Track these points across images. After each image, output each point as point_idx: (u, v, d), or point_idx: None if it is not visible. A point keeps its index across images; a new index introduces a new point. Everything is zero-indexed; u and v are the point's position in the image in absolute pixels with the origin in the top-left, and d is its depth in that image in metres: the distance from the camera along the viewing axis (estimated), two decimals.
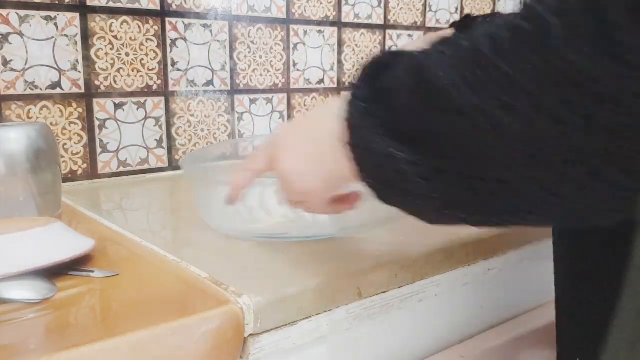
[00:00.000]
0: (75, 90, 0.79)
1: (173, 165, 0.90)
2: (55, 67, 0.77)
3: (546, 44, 0.26)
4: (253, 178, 0.48)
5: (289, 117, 1.02)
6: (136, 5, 0.83)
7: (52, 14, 0.76)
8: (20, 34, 0.74)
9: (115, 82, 0.82)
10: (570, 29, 0.25)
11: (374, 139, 0.34)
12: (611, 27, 0.24)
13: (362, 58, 1.11)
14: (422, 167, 0.33)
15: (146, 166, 0.87)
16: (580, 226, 0.32)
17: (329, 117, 0.40)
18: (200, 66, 0.90)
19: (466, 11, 1.28)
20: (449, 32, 0.67)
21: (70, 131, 0.79)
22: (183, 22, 0.87)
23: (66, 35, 0.77)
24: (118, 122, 0.83)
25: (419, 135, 0.33)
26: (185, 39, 0.88)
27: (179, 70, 0.88)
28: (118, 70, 0.82)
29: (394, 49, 0.38)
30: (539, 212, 0.31)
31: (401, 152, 0.33)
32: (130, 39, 0.83)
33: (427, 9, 1.20)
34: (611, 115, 0.25)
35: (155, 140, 0.87)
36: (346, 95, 0.38)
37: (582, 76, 0.25)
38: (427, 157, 0.33)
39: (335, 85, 1.08)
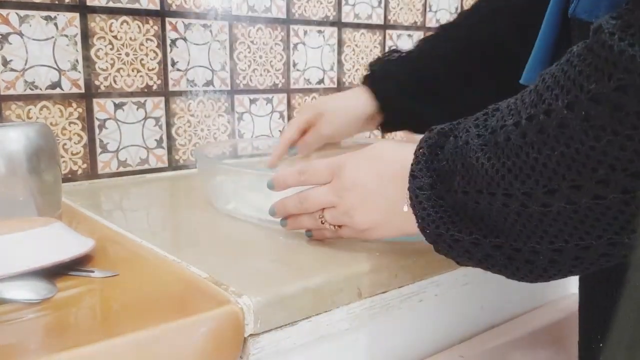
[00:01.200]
0: (75, 90, 0.79)
1: (173, 165, 0.90)
2: (55, 67, 0.77)
3: (568, 136, 0.30)
4: (299, 184, 0.50)
5: (289, 117, 1.02)
6: (136, 5, 0.83)
7: (52, 14, 0.76)
8: (20, 34, 0.74)
9: (115, 82, 0.82)
10: (585, 120, 0.29)
11: (442, 225, 0.39)
12: (628, 113, 0.27)
13: (362, 58, 1.11)
14: (482, 246, 0.37)
15: (146, 166, 0.87)
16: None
17: (402, 175, 0.43)
18: (200, 66, 0.90)
19: None
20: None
21: (70, 131, 0.79)
22: (183, 22, 0.87)
23: (66, 35, 0.77)
24: (118, 122, 0.83)
25: (477, 215, 0.37)
26: (185, 39, 0.88)
27: (178, 70, 0.88)
28: (118, 70, 0.82)
29: (442, 127, 0.42)
30: (596, 267, 0.35)
31: (469, 233, 0.38)
32: (130, 39, 0.83)
33: (427, 9, 1.20)
34: None
35: (155, 140, 0.87)
36: (409, 159, 0.42)
37: (609, 157, 0.28)
38: (486, 236, 0.37)
39: (335, 85, 1.08)
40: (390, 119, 0.74)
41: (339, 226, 0.49)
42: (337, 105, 0.73)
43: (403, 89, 0.71)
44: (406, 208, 0.42)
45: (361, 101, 0.72)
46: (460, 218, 0.38)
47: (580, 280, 0.52)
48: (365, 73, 0.75)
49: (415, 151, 0.41)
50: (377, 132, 0.90)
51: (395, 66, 0.74)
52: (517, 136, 0.33)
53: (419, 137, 0.44)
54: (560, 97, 0.30)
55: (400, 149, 0.45)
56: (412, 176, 0.40)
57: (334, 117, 0.72)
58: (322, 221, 0.49)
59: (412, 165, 0.41)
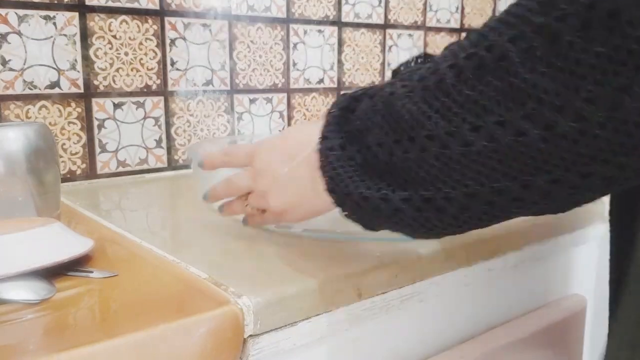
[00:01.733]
0: (74, 90, 0.79)
1: (172, 165, 0.89)
2: (54, 66, 0.77)
3: (505, 68, 0.29)
4: (223, 166, 0.51)
5: (289, 116, 1.02)
6: (135, 5, 0.82)
7: (51, 13, 0.76)
8: (19, 34, 0.74)
9: (114, 81, 0.82)
10: (525, 52, 0.29)
11: (351, 184, 0.38)
12: (564, 46, 0.27)
13: (362, 58, 1.11)
14: (391, 201, 0.36)
15: (145, 166, 0.87)
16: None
17: (307, 154, 0.43)
18: (199, 66, 0.90)
19: (466, 11, 1.28)
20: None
21: (69, 131, 0.79)
22: (182, 21, 0.87)
23: (65, 35, 0.77)
24: (117, 121, 0.83)
25: (389, 169, 0.37)
26: (184, 39, 0.88)
27: (178, 69, 0.88)
28: (117, 70, 0.82)
29: (354, 92, 0.42)
30: (508, 215, 0.34)
31: (378, 189, 0.37)
32: (130, 38, 0.83)
33: (428, 9, 1.20)
34: (568, 123, 0.28)
35: (155, 140, 0.87)
36: (317, 139, 0.41)
37: (540, 91, 0.28)
38: (395, 190, 0.36)
39: (336, 85, 1.07)
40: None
41: (263, 211, 0.49)
42: None
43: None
44: (311, 183, 0.42)
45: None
46: (370, 176, 0.38)
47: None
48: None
49: (327, 114, 0.41)
50: None
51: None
52: (451, 76, 0.32)
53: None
54: (505, 33, 0.30)
55: (307, 127, 0.45)
56: (323, 137, 0.40)
57: None
58: (246, 204, 0.50)
59: (323, 127, 0.40)
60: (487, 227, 0.36)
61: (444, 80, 0.32)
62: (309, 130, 0.44)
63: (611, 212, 0.43)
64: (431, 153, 0.33)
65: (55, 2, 0.76)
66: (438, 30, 1.23)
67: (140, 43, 0.84)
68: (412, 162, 0.34)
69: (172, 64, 0.87)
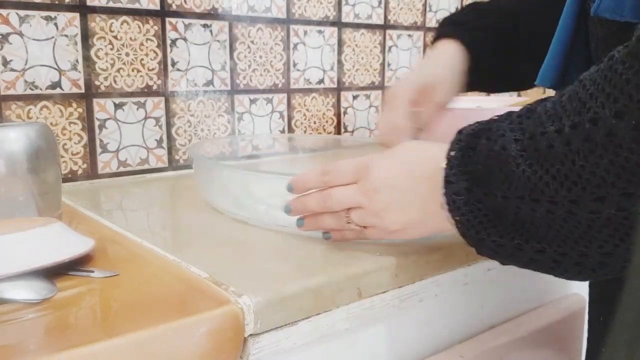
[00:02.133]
0: (75, 90, 0.79)
1: (173, 165, 0.90)
2: (55, 67, 0.77)
3: (617, 144, 0.30)
4: (322, 186, 0.49)
5: (289, 117, 1.02)
6: (136, 5, 0.83)
7: (52, 14, 0.76)
8: (20, 34, 0.74)
9: (115, 82, 0.82)
10: (635, 129, 0.29)
11: (482, 230, 0.39)
12: None
13: (362, 58, 1.11)
14: (525, 251, 0.37)
15: (146, 166, 0.87)
16: None
17: (431, 175, 0.42)
18: (200, 66, 0.90)
19: None
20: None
21: (70, 131, 0.79)
22: (183, 22, 0.87)
23: (66, 35, 0.77)
24: (118, 122, 0.83)
25: (519, 220, 0.37)
26: (185, 39, 0.88)
27: (179, 70, 0.88)
28: (118, 70, 0.82)
29: (473, 128, 0.41)
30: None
31: (511, 239, 0.37)
32: (130, 39, 0.83)
33: (427, 9, 1.20)
34: None
35: (155, 140, 0.87)
36: (441, 167, 0.41)
37: None
38: (529, 241, 0.36)
39: (336, 85, 1.08)
40: (478, 76, 0.67)
41: (364, 227, 0.48)
42: (444, 75, 0.66)
43: (492, 42, 0.65)
44: (440, 209, 0.42)
45: (457, 59, 0.66)
46: (502, 222, 0.38)
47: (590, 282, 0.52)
48: (443, 25, 0.70)
49: (447, 155, 0.41)
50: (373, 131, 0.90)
51: (479, 19, 0.68)
52: (560, 144, 0.33)
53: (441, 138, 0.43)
54: (607, 105, 0.30)
55: (428, 148, 0.45)
56: (447, 182, 0.40)
57: (444, 86, 0.66)
58: (347, 221, 0.48)
59: (445, 170, 0.40)
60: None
61: (554, 146, 0.33)
62: (427, 151, 0.44)
63: None
64: (558, 216, 0.33)
65: (57, 2, 0.76)
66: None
67: (141, 43, 0.84)
68: (540, 220, 0.35)
69: (173, 64, 0.87)
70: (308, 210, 0.50)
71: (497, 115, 0.40)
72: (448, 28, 0.68)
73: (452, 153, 0.40)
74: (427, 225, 0.45)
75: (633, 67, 0.29)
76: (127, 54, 0.83)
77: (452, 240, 0.55)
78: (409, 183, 0.44)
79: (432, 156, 0.43)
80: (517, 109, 0.39)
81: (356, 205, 0.47)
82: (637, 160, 0.29)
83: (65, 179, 0.79)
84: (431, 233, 0.46)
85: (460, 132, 0.41)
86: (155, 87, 0.86)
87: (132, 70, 0.83)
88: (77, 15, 0.78)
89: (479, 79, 0.66)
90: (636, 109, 0.29)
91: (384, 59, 1.14)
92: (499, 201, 0.37)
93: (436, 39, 0.69)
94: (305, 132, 1.05)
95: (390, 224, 0.46)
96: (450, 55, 0.66)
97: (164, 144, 0.88)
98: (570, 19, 0.48)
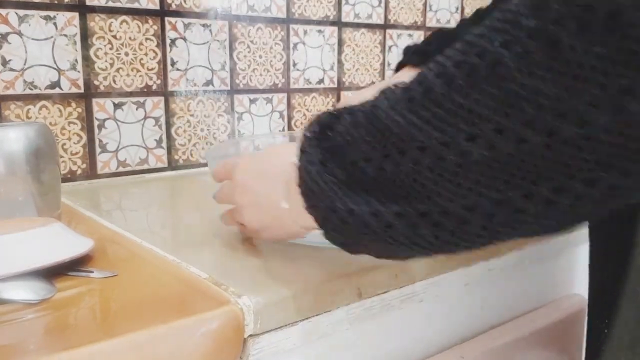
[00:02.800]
0: (74, 90, 0.79)
1: (172, 165, 0.89)
2: (55, 66, 0.77)
3: (500, 74, 0.28)
4: (218, 181, 0.52)
5: (289, 116, 1.02)
6: (135, 5, 0.83)
7: (52, 13, 0.76)
8: (20, 34, 0.74)
9: (114, 81, 0.82)
10: (520, 57, 0.27)
11: (336, 199, 0.35)
12: (564, 49, 0.26)
13: (362, 58, 1.11)
14: (382, 215, 0.34)
15: (145, 166, 0.87)
16: (551, 236, 0.33)
17: (284, 172, 0.42)
18: (199, 66, 0.90)
19: (466, 11, 1.28)
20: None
21: (69, 131, 0.79)
22: (182, 21, 0.87)
23: (65, 35, 0.77)
24: (117, 122, 0.83)
25: (378, 185, 0.34)
26: (184, 39, 0.88)
27: (178, 70, 0.88)
28: (117, 70, 0.82)
29: (333, 108, 0.40)
30: (509, 230, 0.32)
31: (363, 205, 0.35)
32: (130, 38, 0.83)
33: (427, 9, 1.20)
34: (572, 128, 0.27)
35: (155, 140, 0.87)
36: (296, 154, 0.39)
37: (540, 96, 0.27)
38: (387, 204, 0.34)
39: (336, 85, 1.07)
40: None
41: (243, 225, 0.50)
42: None
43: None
44: (285, 204, 0.41)
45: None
46: (357, 191, 0.35)
47: (590, 276, 0.52)
48: (407, 54, 0.71)
49: (305, 130, 0.39)
50: None
51: (444, 46, 0.71)
52: (440, 85, 0.30)
53: None
54: (495, 38, 0.29)
55: (286, 147, 0.44)
56: (302, 152, 0.38)
57: None
58: (233, 217, 0.51)
59: (302, 143, 0.38)
60: (483, 247, 0.33)
61: (433, 89, 0.31)
62: (287, 150, 0.43)
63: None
64: (425, 165, 0.31)
65: (56, 2, 0.76)
66: (441, 29, 1.23)
67: (141, 43, 0.84)
68: (404, 176, 0.32)
69: (173, 64, 0.87)
70: (219, 200, 0.53)
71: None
72: (413, 57, 0.70)
73: (309, 128, 0.39)
74: (279, 226, 0.45)
75: (525, 1, 0.28)
76: (127, 54, 0.83)
77: None
78: (261, 182, 0.45)
79: (289, 153, 0.41)
80: None
81: (229, 202, 0.50)
82: (516, 91, 0.27)
83: (65, 179, 0.79)
84: (287, 235, 0.46)
85: (321, 113, 0.40)
86: (154, 87, 0.86)
87: (132, 70, 0.83)
88: (76, 14, 0.78)
89: None
90: (524, 36, 0.27)
91: (384, 59, 1.14)
92: (359, 166, 0.35)
93: (399, 66, 0.71)
94: None
95: (249, 223, 0.47)
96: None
97: (164, 144, 0.88)
98: None
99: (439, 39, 0.72)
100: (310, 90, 1.04)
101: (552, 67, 0.27)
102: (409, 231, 0.34)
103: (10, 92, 0.74)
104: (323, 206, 0.36)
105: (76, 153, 0.80)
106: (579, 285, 0.75)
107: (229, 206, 0.52)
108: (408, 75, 0.72)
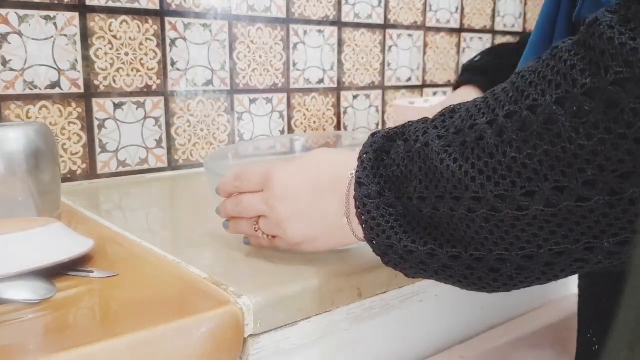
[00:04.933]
0: (74, 90, 0.79)
1: (172, 165, 0.89)
2: (55, 66, 0.77)
3: (555, 133, 0.27)
4: (236, 191, 0.48)
5: (289, 116, 1.02)
6: (135, 5, 0.83)
7: (52, 13, 0.76)
8: (20, 34, 0.74)
9: (114, 81, 0.82)
10: (575, 117, 0.27)
11: (393, 235, 0.36)
12: (626, 112, 0.25)
13: (362, 58, 1.11)
14: (439, 256, 0.34)
15: (145, 166, 0.87)
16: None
17: (334, 184, 0.41)
18: (199, 66, 0.90)
19: (466, 11, 1.28)
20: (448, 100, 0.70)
21: (69, 131, 0.79)
22: (182, 21, 0.87)
23: (65, 35, 0.77)
24: (117, 122, 0.83)
25: (433, 223, 0.34)
26: (184, 39, 0.88)
27: (178, 70, 0.88)
28: (117, 70, 0.82)
29: (387, 131, 0.39)
30: (566, 275, 0.32)
31: (424, 244, 0.35)
32: (130, 38, 0.83)
33: (427, 9, 1.20)
34: (635, 189, 0.26)
35: (155, 140, 0.87)
36: (349, 174, 0.40)
37: (600, 158, 0.26)
38: (443, 245, 0.34)
39: (336, 85, 1.07)
40: None
41: (274, 237, 0.47)
42: None
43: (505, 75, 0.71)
44: (345, 220, 0.41)
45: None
46: (413, 227, 0.35)
47: (580, 279, 0.52)
48: (463, 72, 0.75)
49: (360, 157, 0.39)
50: None
51: (497, 60, 0.73)
52: (492, 135, 0.30)
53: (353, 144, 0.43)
54: (547, 92, 0.28)
55: (336, 157, 0.43)
56: (359, 183, 0.37)
57: None
58: (255, 229, 0.47)
59: (357, 172, 0.38)
60: (546, 284, 0.34)
61: (484, 138, 0.30)
62: (335, 160, 0.42)
63: None
64: (480, 215, 0.31)
65: (56, 2, 0.76)
66: (438, 30, 1.23)
67: (141, 43, 0.84)
68: (458, 221, 0.32)
69: (173, 64, 0.87)
70: (228, 213, 0.50)
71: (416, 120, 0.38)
72: (466, 74, 0.73)
73: (365, 155, 0.38)
74: (329, 237, 0.43)
75: (579, 54, 0.27)
76: (127, 54, 0.83)
77: None
78: (311, 193, 0.42)
79: (340, 163, 0.41)
80: None
81: (261, 213, 0.46)
82: (574, 151, 0.27)
83: (65, 179, 0.79)
84: (336, 246, 0.45)
85: (374, 134, 0.39)
86: (154, 87, 0.86)
87: (132, 70, 0.83)
88: (76, 14, 0.78)
89: None
90: (580, 94, 0.26)
91: (384, 59, 1.14)
92: (414, 203, 0.35)
93: (457, 85, 0.75)
94: (305, 132, 1.04)
95: (291, 236, 0.44)
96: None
97: (164, 144, 0.88)
98: (545, 25, 0.48)
99: (492, 53, 0.74)
100: (310, 90, 1.04)
101: (611, 129, 0.26)
102: (465, 273, 0.34)
103: (10, 92, 0.74)
104: (381, 242, 0.37)
105: (76, 153, 0.80)
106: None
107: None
108: (467, 96, 0.74)
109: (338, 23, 1.06)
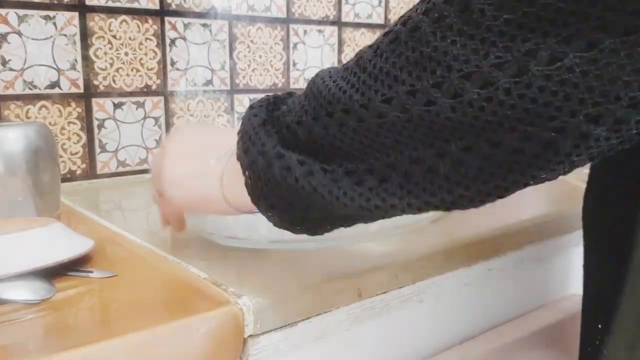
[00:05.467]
0: (74, 89, 0.79)
1: None
2: (54, 66, 0.77)
3: (417, 38, 0.30)
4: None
5: None
6: (135, 5, 0.82)
7: (51, 13, 0.76)
8: (19, 34, 0.74)
9: (114, 81, 0.82)
10: (436, 22, 0.29)
11: (265, 142, 0.37)
12: (475, 13, 0.27)
13: None
14: (308, 165, 0.35)
15: (145, 166, 0.87)
16: (460, 208, 0.34)
17: (219, 137, 0.43)
18: (199, 66, 0.90)
19: None
20: None
21: (69, 131, 0.79)
22: (182, 21, 0.87)
23: (65, 35, 0.77)
24: (117, 121, 0.83)
25: (308, 146, 0.36)
26: (184, 39, 0.88)
27: (178, 69, 0.88)
28: (117, 70, 0.82)
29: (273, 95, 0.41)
30: (423, 192, 0.32)
31: (291, 154, 0.36)
32: (130, 38, 0.83)
33: None
34: (474, 90, 0.28)
35: (155, 140, 0.87)
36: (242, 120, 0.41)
37: (450, 58, 0.28)
38: (315, 160, 0.35)
39: None
40: None
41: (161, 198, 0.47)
42: None
43: None
44: (213, 162, 0.42)
45: None
46: (288, 147, 0.37)
47: (585, 279, 0.52)
48: None
49: (248, 108, 0.40)
50: None
51: None
52: (369, 52, 0.33)
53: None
54: (419, 8, 0.31)
55: (210, 128, 0.46)
56: (250, 107, 0.40)
57: None
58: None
59: (251, 105, 0.40)
60: (399, 215, 0.34)
61: (362, 57, 0.33)
62: (209, 131, 0.45)
63: (603, 212, 0.43)
64: (349, 127, 0.33)
65: (55, 2, 0.76)
66: None
67: (140, 43, 0.84)
68: (331, 138, 0.34)
69: (172, 64, 0.87)
70: (153, 199, 0.51)
71: None
72: None
73: (261, 100, 0.40)
74: (204, 202, 0.43)
75: None
76: (126, 54, 0.83)
77: (453, 241, 0.55)
78: (192, 152, 0.44)
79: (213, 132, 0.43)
80: None
81: (158, 195, 0.47)
82: (429, 53, 0.29)
83: (64, 179, 0.79)
84: (212, 212, 0.44)
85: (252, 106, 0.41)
86: (154, 87, 0.86)
87: (131, 70, 0.83)
88: (76, 14, 0.78)
89: None
90: (441, 2, 0.29)
91: None
92: (292, 128, 0.36)
93: None
94: None
95: (171, 197, 0.45)
96: None
97: None
98: None
99: None
100: None
101: (463, 30, 0.28)
102: (331, 185, 0.35)
103: (9, 92, 0.74)
104: (255, 150, 0.37)
105: (76, 153, 0.80)
106: (579, 285, 0.75)
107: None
108: None
109: (338, 23, 1.06)
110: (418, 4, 0.31)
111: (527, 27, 0.26)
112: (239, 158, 0.39)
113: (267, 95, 0.41)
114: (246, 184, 0.39)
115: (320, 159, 0.35)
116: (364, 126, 0.32)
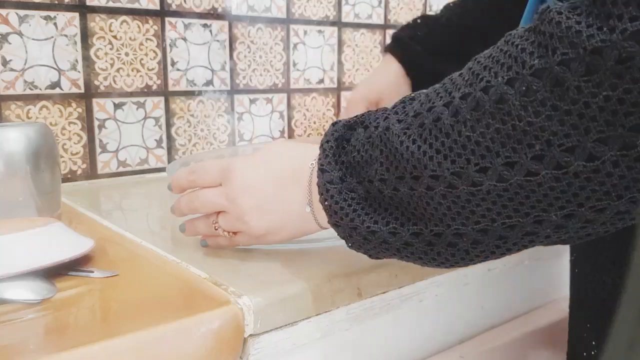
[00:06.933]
0: (74, 90, 0.79)
1: None
2: (55, 67, 0.77)
3: (506, 112, 0.29)
4: (191, 186, 0.48)
5: (289, 117, 1.02)
6: (136, 5, 0.83)
7: (52, 13, 0.76)
8: (20, 34, 0.74)
9: (114, 82, 0.82)
10: (524, 95, 0.29)
11: (356, 217, 0.37)
12: (571, 90, 0.27)
13: (362, 58, 1.11)
14: (401, 234, 0.36)
15: (146, 166, 0.87)
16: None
17: (296, 173, 0.43)
18: (199, 66, 0.90)
19: None
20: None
21: (69, 131, 0.79)
22: (183, 21, 0.87)
23: (66, 35, 0.77)
24: (117, 122, 0.83)
25: (394, 203, 0.36)
26: (184, 39, 0.88)
27: (178, 70, 0.88)
28: (117, 70, 0.82)
29: (347, 120, 0.41)
30: (519, 249, 0.34)
31: (386, 223, 0.37)
32: (130, 38, 0.83)
33: (427, 9, 1.20)
34: (580, 162, 0.28)
35: (155, 140, 0.87)
36: (310, 164, 0.41)
37: (547, 133, 0.28)
38: (404, 224, 0.36)
39: (335, 85, 1.07)
40: (418, 80, 0.79)
41: (234, 233, 0.47)
42: (389, 90, 0.79)
43: (428, 50, 0.76)
44: (308, 209, 0.42)
45: (399, 74, 0.79)
46: (375, 209, 0.37)
47: (572, 283, 0.52)
48: (390, 41, 0.81)
49: (321, 145, 0.40)
50: None
51: (419, 29, 0.79)
52: (448, 116, 0.32)
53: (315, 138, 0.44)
54: (499, 74, 0.30)
55: (296, 148, 0.44)
56: (321, 170, 0.39)
57: (391, 98, 0.77)
58: (215, 227, 0.47)
59: (319, 159, 0.39)
60: (501, 258, 0.35)
61: (441, 119, 0.32)
62: (295, 151, 0.44)
63: None
64: (438, 192, 0.33)
65: (56, 2, 0.76)
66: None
67: (141, 43, 0.84)
68: (418, 199, 0.34)
69: (173, 64, 0.87)
70: (182, 211, 0.49)
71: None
72: (391, 43, 0.80)
73: (327, 143, 0.39)
74: (292, 226, 0.44)
75: (529, 39, 0.29)
76: (127, 54, 0.83)
77: None
78: (273, 184, 0.43)
79: (300, 154, 0.43)
80: None
81: (221, 209, 0.46)
82: (523, 127, 0.29)
83: (65, 179, 0.79)
84: (298, 235, 0.45)
85: (334, 124, 0.41)
86: (154, 87, 0.86)
87: (132, 70, 0.83)
88: (76, 15, 0.78)
89: (423, 81, 0.77)
90: (528, 74, 0.28)
91: None
92: (375, 185, 0.36)
93: (385, 51, 0.81)
94: (305, 132, 1.05)
95: (255, 228, 0.44)
96: (393, 70, 0.79)
97: (164, 144, 0.88)
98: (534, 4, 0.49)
99: (420, 25, 0.80)
100: (310, 91, 1.04)
101: (557, 106, 0.28)
102: (426, 249, 0.36)
103: (10, 92, 0.74)
104: (345, 225, 0.38)
105: (76, 153, 0.80)
106: None
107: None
108: (395, 63, 0.80)
109: (338, 23, 1.06)
110: (492, 65, 0.31)
111: (629, 103, 0.26)
112: (330, 224, 0.40)
113: (331, 129, 0.40)
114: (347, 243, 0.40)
115: (407, 218, 0.36)
116: (455, 193, 0.32)
